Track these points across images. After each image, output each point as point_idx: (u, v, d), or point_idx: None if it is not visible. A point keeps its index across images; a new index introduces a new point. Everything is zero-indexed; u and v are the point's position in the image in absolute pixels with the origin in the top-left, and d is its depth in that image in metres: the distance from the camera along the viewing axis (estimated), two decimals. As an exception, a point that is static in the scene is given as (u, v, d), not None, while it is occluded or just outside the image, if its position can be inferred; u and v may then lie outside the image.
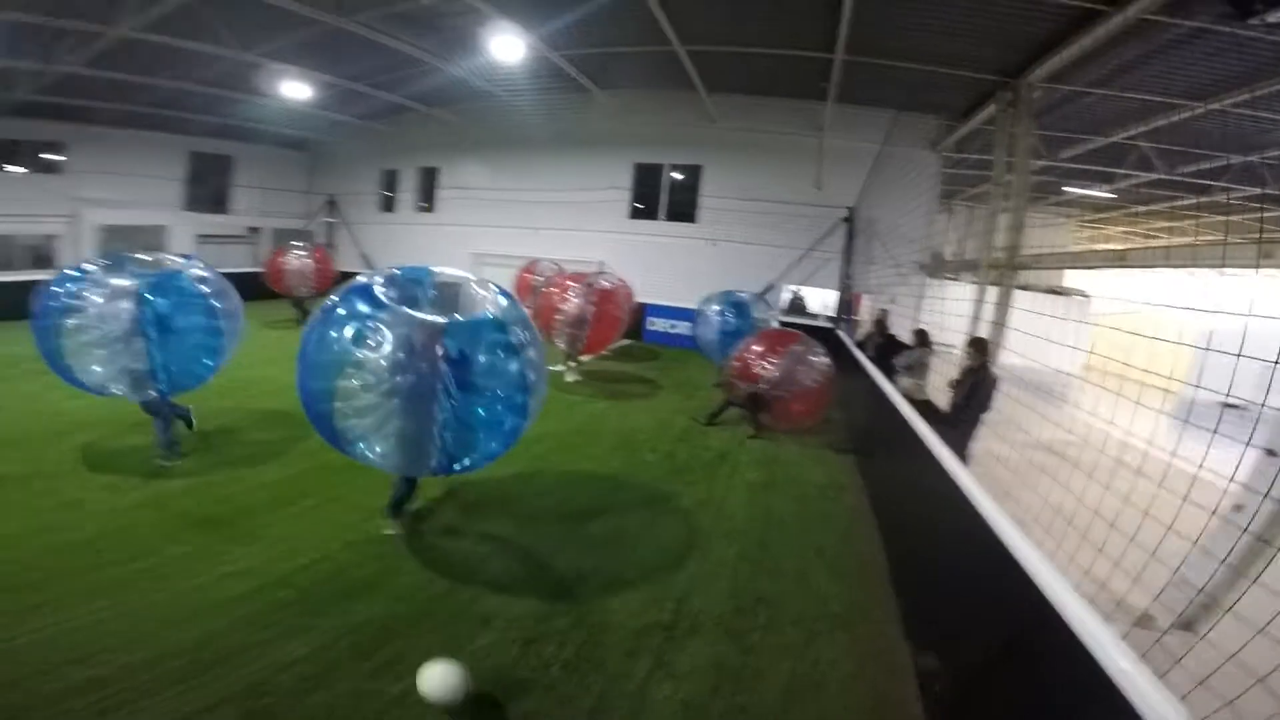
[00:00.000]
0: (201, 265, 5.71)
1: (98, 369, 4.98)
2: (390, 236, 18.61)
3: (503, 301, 4.04)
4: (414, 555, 4.21)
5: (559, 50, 11.31)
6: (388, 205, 19.08)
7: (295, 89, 13.23)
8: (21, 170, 15.22)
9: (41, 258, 15.26)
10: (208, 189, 18.66)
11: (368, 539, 4.33)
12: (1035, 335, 4.30)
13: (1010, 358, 5.70)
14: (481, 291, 4.09)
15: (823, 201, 12.91)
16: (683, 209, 14.44)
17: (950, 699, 2.91)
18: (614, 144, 14.72)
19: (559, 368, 9.97)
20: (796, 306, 13.63)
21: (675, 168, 14.60)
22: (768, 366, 7.44)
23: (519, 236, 15.72)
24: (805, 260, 13.12)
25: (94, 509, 4.38)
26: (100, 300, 4.88)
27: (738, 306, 10.51)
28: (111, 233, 15.41)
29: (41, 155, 15.55)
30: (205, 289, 5.47)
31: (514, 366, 3.77)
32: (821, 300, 13.38)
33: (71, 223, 15.61)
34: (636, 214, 14.85)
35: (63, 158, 15.82)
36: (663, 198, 14.71)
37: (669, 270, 13.95)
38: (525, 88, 13.41)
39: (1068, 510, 3.12)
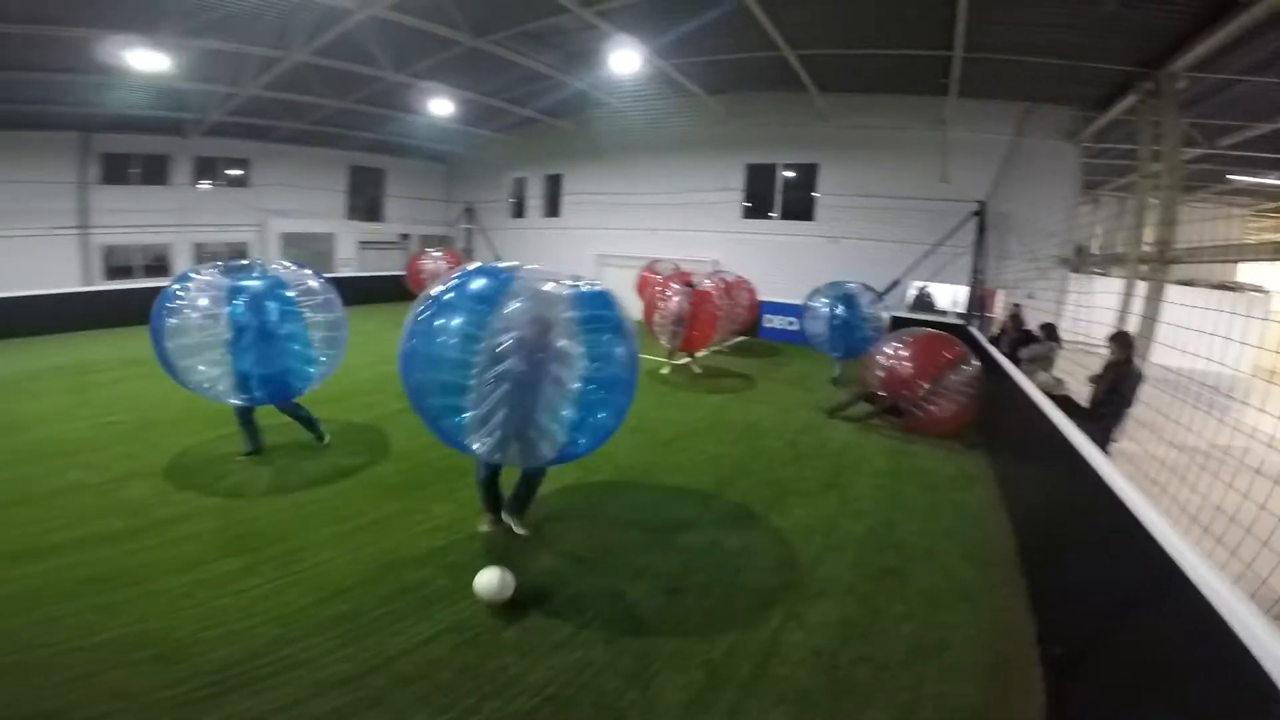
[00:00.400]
0: (311, 274, 5.62)
1: (203, 369, 5.06)
2: (521, 241, 20.04)
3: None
4: (570, 517, 4.87)
5: (670, 60, 11.87)
6: (518, 211, 20.54)
7: (440, 106, 14.77)
8: (210, 184, 18.01)
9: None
10: (365, 199, 21.06)
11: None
12: (1196, 331, 4.16)
13: (1164, 355, 5.46)
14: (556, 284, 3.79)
15: (950, 195, 12.50)
16: (798, 207, 14.49)
17: (1068, 663, 3.05)
18: (725, 146, 15.05)
19: (665, 369, 10.39)
20: (924, 302, 13.24)
21: (788, 167, 14.68)
22: (922, 384, 7.09)
23: (639, 238, 16.43)
24: (932, 255, 12.75)
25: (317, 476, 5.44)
26: (204, 304, 5.00)
27: (847, 299, 10.20)
28: (290, 240, 17.84)
29: (227, 171, 18.23)
30: (307, 297, 5.38)
31: (620, 350, 3.76)
32: (951, 295, 12.94)
33: (259, 231, 18.28)
34: (750, 213, 15.08)
35: (239, 172, 18.55)
36: (776, 197, 14.83)
37: (785, 268, 14.06)
38: (638, 96, 14.08)
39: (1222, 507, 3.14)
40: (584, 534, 4.62)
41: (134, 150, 16.23)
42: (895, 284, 12.91)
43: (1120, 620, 2.77)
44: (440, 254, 14.75)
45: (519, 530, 4.45)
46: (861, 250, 13.47)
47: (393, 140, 18.90)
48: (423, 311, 3.61)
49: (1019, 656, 3.44)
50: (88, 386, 8.10)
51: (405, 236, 21.21)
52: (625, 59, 11.22)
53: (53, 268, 15.13)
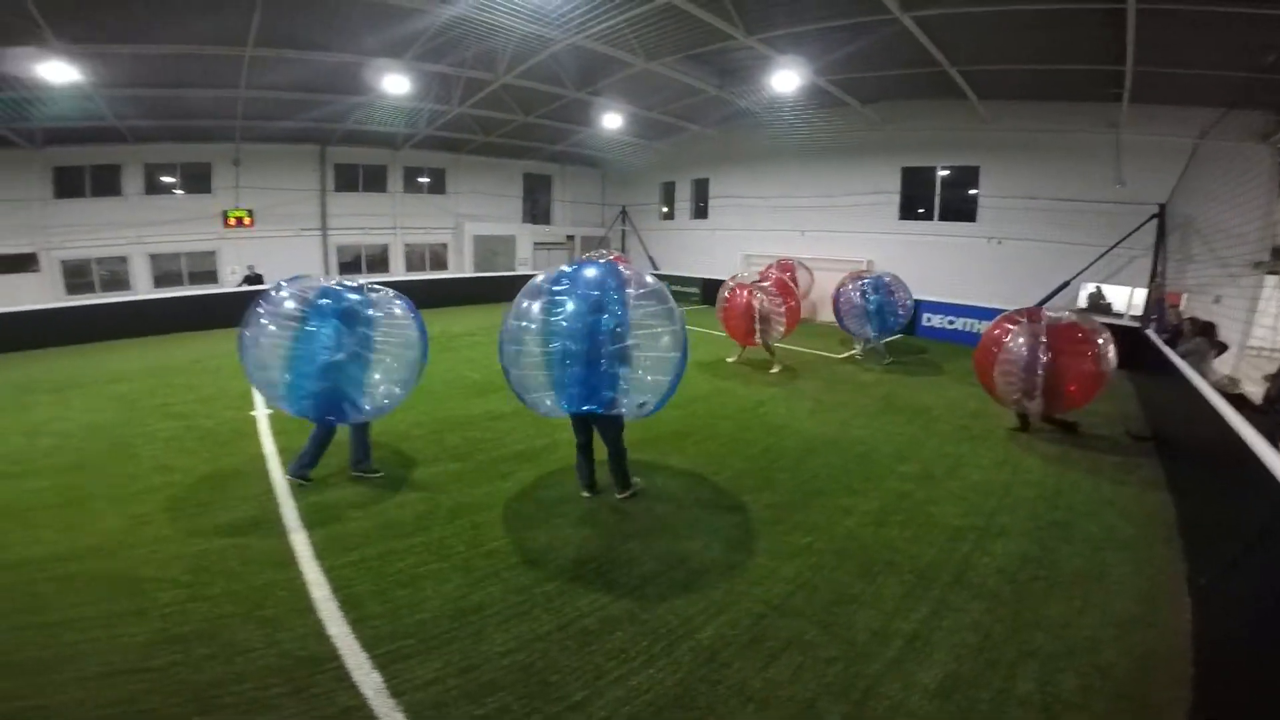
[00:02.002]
0: (395, 298, 5.63)
1: (278, 379, 5.23)
2: (671, 242, 21.58)
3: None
4: (779, 470, 6.07)
5: (826, 77, 12.66)
6: (668, 214, 22.08)
7: (610, 120, 16.54)
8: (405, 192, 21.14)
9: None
10: (537, 204, 23.56)
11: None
12: None
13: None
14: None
15: (1126, 198, 12.25)
16: (958, 209, 14.69)
17: (1214, 590, 3.77)
18: (879, 150, 15.50)
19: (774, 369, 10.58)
20: (1098, 305, 13.07)
21: (946, 169, 14.87)
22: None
23: (787, 239, 17.31)
24: (1106, 258, 12.53)
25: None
26: (291, 308, 5.22)
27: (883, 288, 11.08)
28: (479, 241, 20.53)
29: (419, 179, 21.10)
30: (388, 329, 5.38)
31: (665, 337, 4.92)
32: (1127, 298, 12.67)
33: (455, 233, 21.18)
34: (907, 215, 15.44)
35: (426, 180, 21.45)
36: (935, 199, 15.08)
37: (944, 268, 14.34)
38: (789, 106, 14.92)
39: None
40: (794, 482, 5.83)
41: (359, 161, 19.55)
42: (1064, 286, 12.82)
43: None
44: (605, 255, 15.87)
45: (621, 495, 5.34)
46: (1026, 251, 13.49)
47: (559, 149, 21.09)
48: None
49: (1169, 588, 4.20)
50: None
51: (570, 238, 23.47)
52: (785, 79, 12.28)
53: (302, 264, 18.70)
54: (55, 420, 7.68)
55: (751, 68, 13.09)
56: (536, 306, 4.83)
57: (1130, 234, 12.09)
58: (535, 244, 21.87)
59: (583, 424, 5.19)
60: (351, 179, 19.61)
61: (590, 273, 4.90)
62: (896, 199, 15.51)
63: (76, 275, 16.32)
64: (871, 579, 4.24)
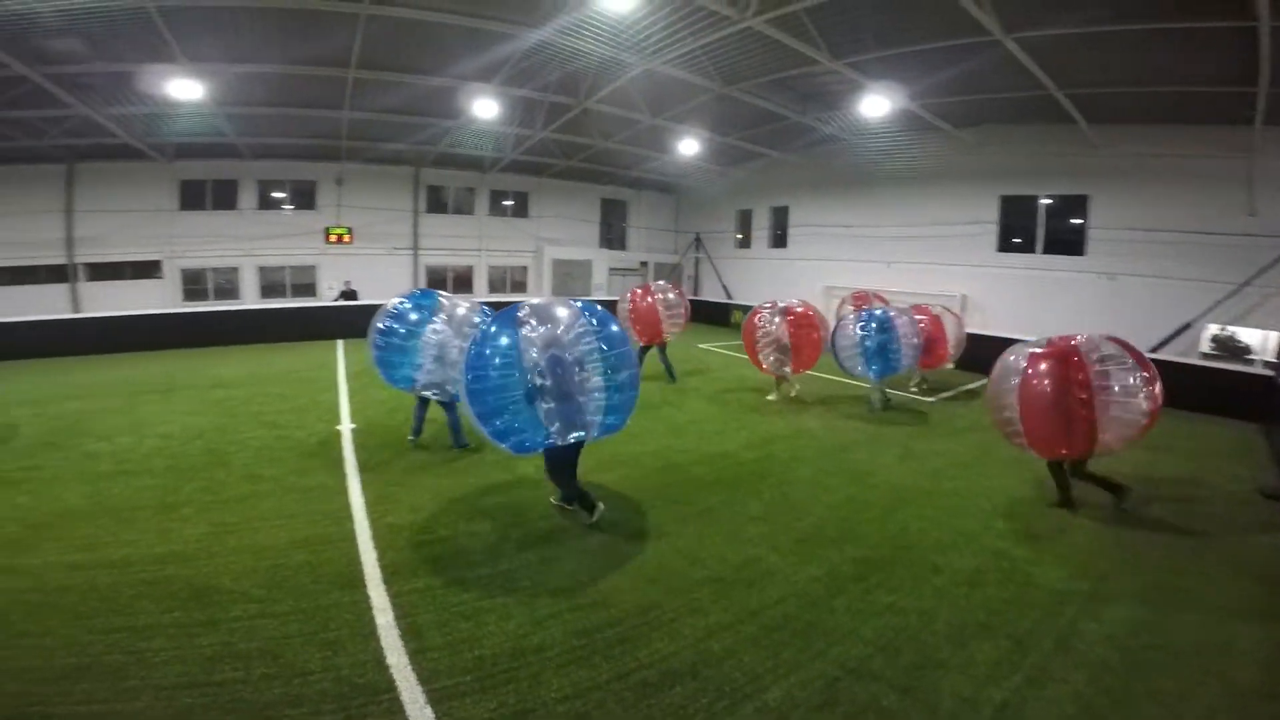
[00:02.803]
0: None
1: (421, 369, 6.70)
2: (747, 270, 21.26)
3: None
4: (864, 524, 5.66)
5: (919, 101, 12.12)
6: (744, 242, 21.78)
7: (687, 145, 16.53)
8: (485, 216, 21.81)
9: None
10: (612, 230, 23.85)
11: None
12: None
13: None
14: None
15: (1260, 230, 11.04)
16: (1064, 241, 13.68)
17: None
18: (975, 177, 14.69)
19: (771, 396, 10.22)
20: (1228, 347, 11.73)
21: (1050, 198, 13.91)
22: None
23: (873, 270, 16.63)
24: (1238, 296, 11.29)
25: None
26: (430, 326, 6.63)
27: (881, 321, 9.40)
28: (558, 265, 20.91)
29: (504, 202, 21.79)
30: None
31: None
32: (1261, 340, 11.32)
33: (535, 257, 21.68)
34: (1006, 247, 14.52)
35: (510, 203, 22.09)
36: (1038, 230, 14.11)
37: (1049, 306, 13.34)
38: (876, 131, 14.44)
39: None
40: (880, 535, 5.40)
41: (449, 184, 20.40)
42: (1185, 327, 11.62)
43: None
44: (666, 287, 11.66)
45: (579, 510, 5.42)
46: (1142, 289, 12.39)
47: (634, 175, 21.28)
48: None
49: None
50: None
51: (643, 264, 23.58)
52: (874, 104, 11.88)
53: (395, 282, 19.60)
54: (160, 422, 8.21)
55: (837, 92, 12.80)
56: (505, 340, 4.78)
57: (1265, 270, 10.85)
58: (610, 269, 22.06)
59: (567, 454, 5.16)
60: (441, 201, 20.50)
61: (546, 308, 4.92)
62: (994, 229, 14.62)
63: (193, 283, 17.73)
64: (961, 643, 3.80)
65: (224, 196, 17.69)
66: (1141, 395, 5.51)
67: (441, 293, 7.14)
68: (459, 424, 7.13)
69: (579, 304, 5.01)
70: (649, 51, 10.65)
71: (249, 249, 18.01)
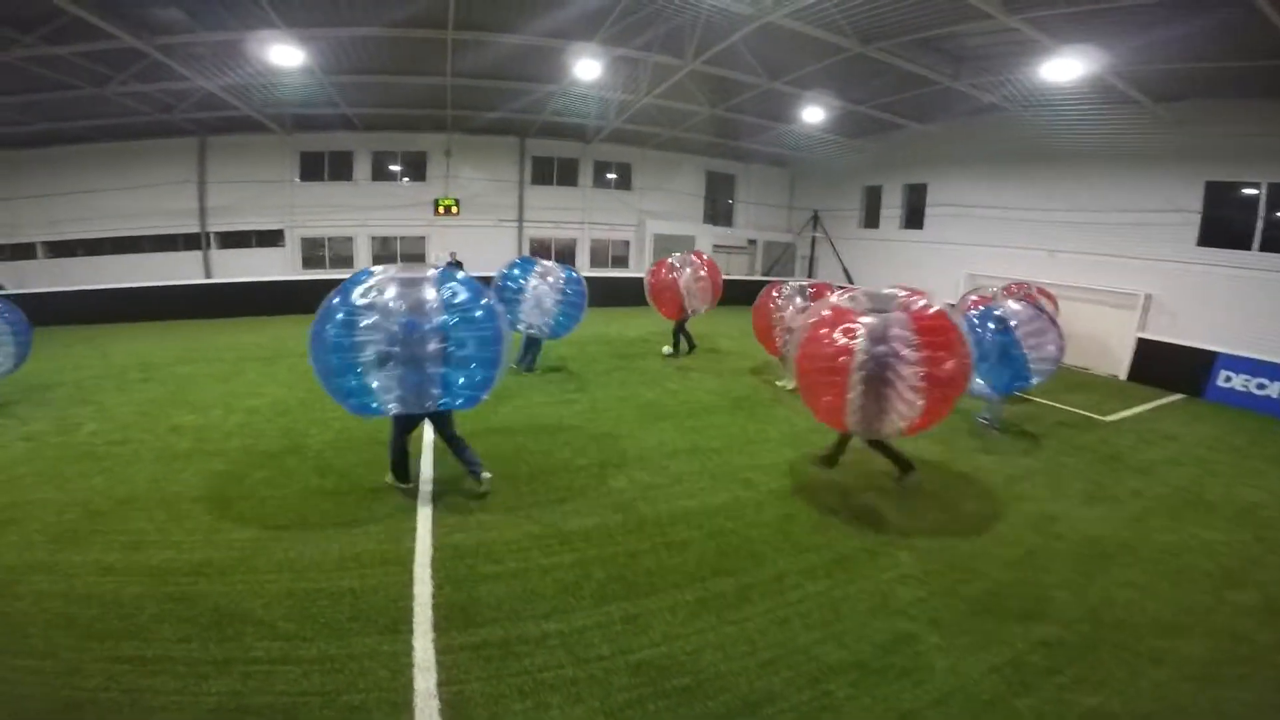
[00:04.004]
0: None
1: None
2: (873, 253, 19.15)
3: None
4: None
5: (1116, 67, 9.80)
6: (871, 221, 19.65)
7: (810, 113, 14.77)
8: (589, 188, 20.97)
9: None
10: (718, 205, 22.41)
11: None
12: None
13: None
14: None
15: None
16: (1293, 236, 10.82)
17: None
18: (1172, 159, 11.92)
19: (789, 385, 8.87)
20: None
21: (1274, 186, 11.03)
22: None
23: (1028, 259, 14.23)
24: None
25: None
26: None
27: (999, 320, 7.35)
28: (660, 240, 19.83)
29: (608, 175, 20.81)
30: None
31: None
32: None
33: (638, 230, 20.75)
34: (1210, 241, 11.76)
35: (613, 175, 21.08)
36: (1256, 224, 11.28)
37: (1265, 313, 10.64)
38: (1049, 101, 12.04)
39: None
40: (1077, 607, 4.00)
41: (553, 154, 19.80)
42: None
43: None
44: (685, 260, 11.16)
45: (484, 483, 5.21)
46: None
47: (744, 146, 19.64)
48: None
49: None
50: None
51: (752, 242, 22.00)
52: (1057, 69, 9.81)
53: (500, 254, 19.37)
54: (253, 393, 8.07)
55: (1003, 55, 10.70)
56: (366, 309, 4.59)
57: None
58: (715, 246, 20.68)
59: (412, 421, 5.09)
60: (546, 172, 19.98)
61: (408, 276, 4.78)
62: (1196, 220, 11.85)
63: (312, 251, 18.33)
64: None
65: (340, 168, 18.04)
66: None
67: (539, 259, 9.54)
68: (536, 358, 9.59)
69: (440, 273, 4.89)
70: (771, 2, 9.18)
71: (363, 219, 18.33)
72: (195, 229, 17.07)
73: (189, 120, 14.94)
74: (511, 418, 7.34)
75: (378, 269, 4.83)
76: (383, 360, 4.48)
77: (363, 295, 4.58)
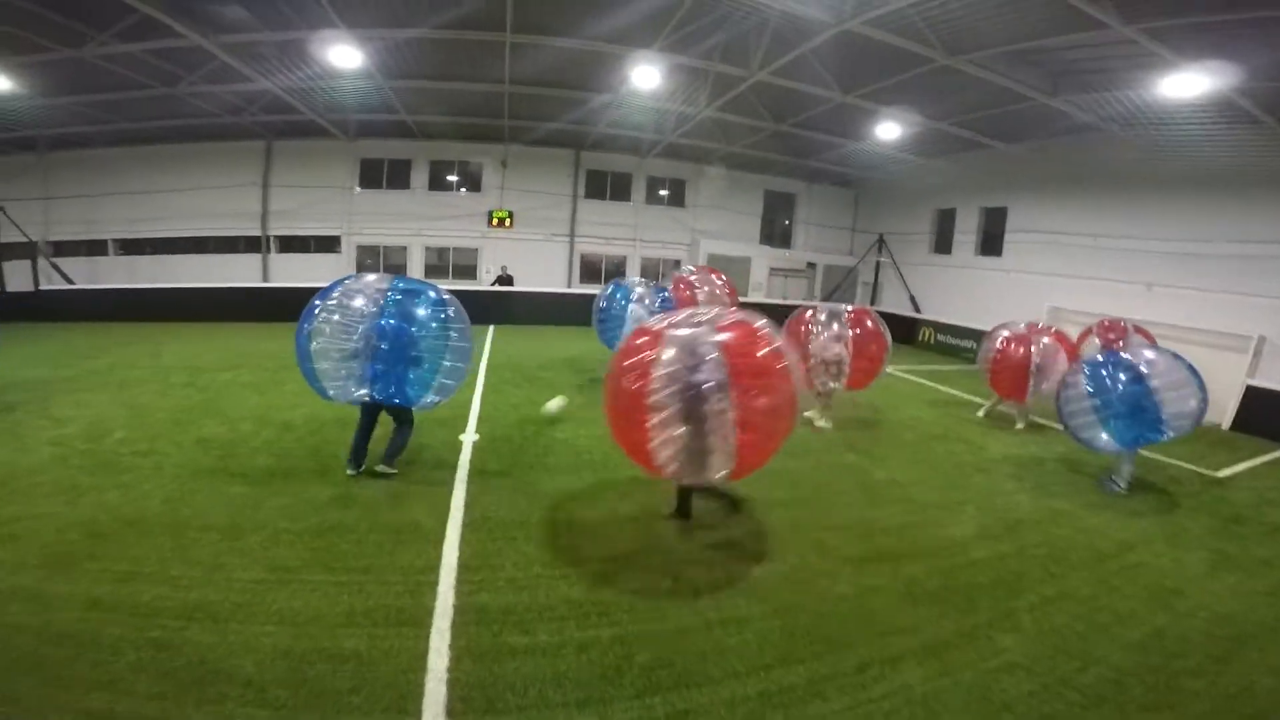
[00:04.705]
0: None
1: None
2: (944, 280, 17.98)
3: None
4: None
5: (1243, 86, 8.70)
6: (942, 246, 18.51)
7: (885, 130, 13.89)
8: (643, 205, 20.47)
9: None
10: (775, 225, 21.61)
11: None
12: None
13: None
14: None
15: None
16: None
17: None
18: None
19: (821, 421, 8.29)
20: None
21: None
22: None
23: (1123, 293, 12.95)
24: None
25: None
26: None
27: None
28: (714, 261, 19.13)
29: (660, 191, 20.35)
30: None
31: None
32: None
33: (690, 250, 20.15)
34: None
35: (666, 191, 20.52)
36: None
37: None
38: (1158, 121, 10.84)
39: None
40: (1213, 699, 3.09)
41: (607, 168, 19.45)
42: None
43: None
44: (699, 274, 11.94)
45: (390, 470, 5.66)
46: None
47: (807, 164, 18.82)
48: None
49: None
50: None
51: (811, 265, 21.09)
52: (1183, 84, 8.77)
53: (550, 269, 19.13)
54: (287, 408, 7.79)
55: (1111, 69, 9.69)
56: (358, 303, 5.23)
57: None
58: (772, 269, 19.88)
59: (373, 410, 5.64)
60: (600, 186, 19.67)
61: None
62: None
63: (367, 259, 18.42)
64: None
65: (399, 176, 18.14)
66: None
67: (634, 280, 9.93)
68: None
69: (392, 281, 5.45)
70: (849, 7, 8.48)
71: (418, 229, 18.34)
72: (256, 232, 17.38)
73: (257, 123, 15.21)
74: (557, 453, 6.72)
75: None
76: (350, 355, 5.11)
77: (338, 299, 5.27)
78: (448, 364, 5.40)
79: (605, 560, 4.52)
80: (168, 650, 3.22)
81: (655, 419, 4.10)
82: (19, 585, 3.71)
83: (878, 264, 20.35)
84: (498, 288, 17.12)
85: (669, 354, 4.15)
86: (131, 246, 17.48)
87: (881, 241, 20.31)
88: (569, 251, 19.41)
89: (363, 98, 13.66)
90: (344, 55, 10.27)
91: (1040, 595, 4.45)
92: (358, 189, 17.83)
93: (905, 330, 17.25)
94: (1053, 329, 9.43)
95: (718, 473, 4.27)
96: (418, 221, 18.30)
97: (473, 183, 18.72)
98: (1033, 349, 8.79)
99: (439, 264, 18.79)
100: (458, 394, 8.05)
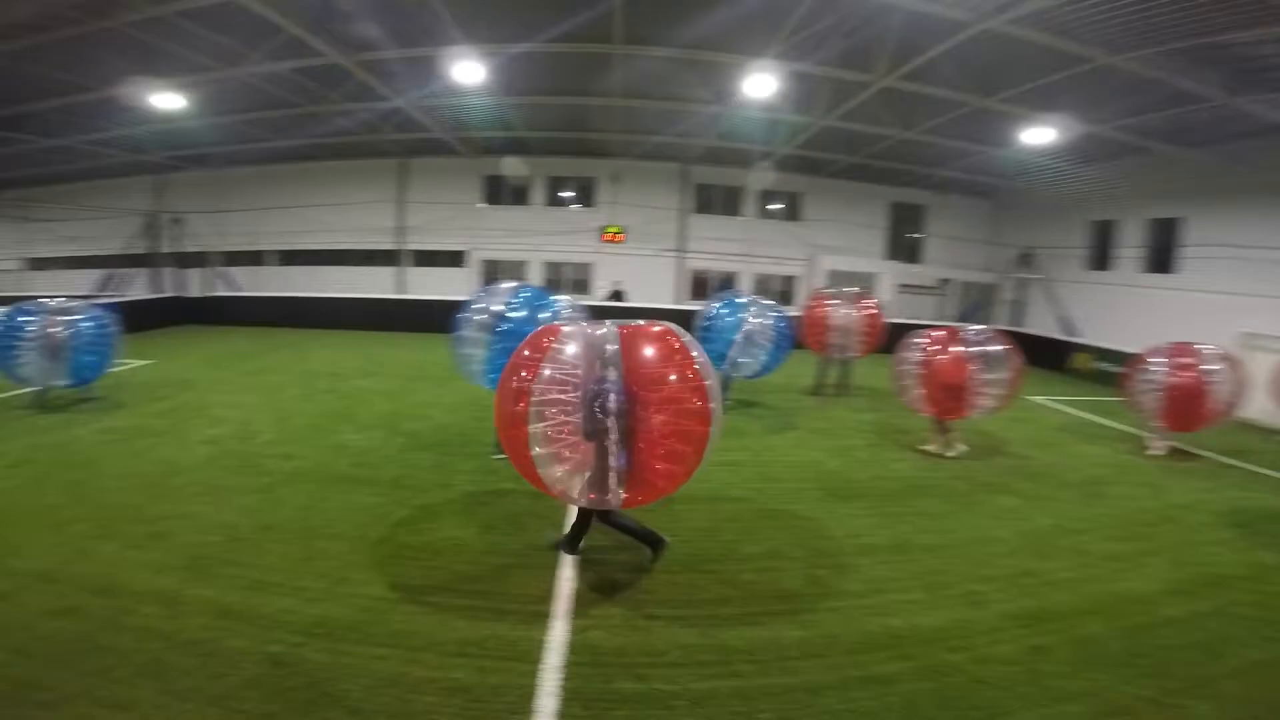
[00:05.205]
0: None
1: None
2: (1104, 299, 15.91)
3: None
4: None
5: None
6: (1100, 262, 16.43)
7: (1034, 135, 12.55)
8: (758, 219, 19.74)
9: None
10: (903, 239, 20.19)
11: None
12: None
13: None
14: None
15: None
16: None
17: None
18: None
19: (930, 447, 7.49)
20: None
21: None
22: None
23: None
24: None
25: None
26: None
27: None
28: (835, 277, 18.12)
29: (773, 205, 19.54)
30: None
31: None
32: None
33: (807, 266, 19.27)
34: None
35: (779, 205, 19.63)
36: None
37: None
38: None
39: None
40: None
41: (716, 182, 19.05)
42: None
43: None
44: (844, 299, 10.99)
45: None
46: None
47: (938, 173, 17.41)
48: None
49: None
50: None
51: (944, 281, 19.49)
52: None
53: (659, 285, 19.02)
54: (416, 417, 8.12)
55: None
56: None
57: None
58: (899, 285, 18.53)
59: None
60: (708, 200, 19.35)
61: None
62: None
63: (490, 274, 19.20)
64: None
65: (519, 192, 18.84)
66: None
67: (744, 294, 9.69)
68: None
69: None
70: (991, 6, 7.63)
71: (536, 244, 18.90)
72: (392, 246, 18.69)
73: (391, 141, 16.30)
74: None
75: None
76: None
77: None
78: None
79: (726, 602, 4.11)
80: (283, 667, 3.20)
81: (539, 428, 3.75)
82: (159, 588, 3.88)
83: (1022, 281, 18.41)
84: (610, 303, 17.22)
85: (566, 356, 3.81)
86: (286, 257, 19.38)
87: (1027, 256, 18.39)
88: (678, 267, 19.20)
89: (485, 115, 14.24)
90: (467, 71, 10.69)
91: (1246, 660, 3.70)
92: (482, 204, 18.67)
93: (1051, 354, 15.38)
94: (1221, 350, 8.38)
95: (613, 495, 3.81)
96: (536, 237, 18.85)
97: (586, 198, 19.05)
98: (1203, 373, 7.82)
99: (554, 279, 19.21)
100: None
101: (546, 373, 3.79)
